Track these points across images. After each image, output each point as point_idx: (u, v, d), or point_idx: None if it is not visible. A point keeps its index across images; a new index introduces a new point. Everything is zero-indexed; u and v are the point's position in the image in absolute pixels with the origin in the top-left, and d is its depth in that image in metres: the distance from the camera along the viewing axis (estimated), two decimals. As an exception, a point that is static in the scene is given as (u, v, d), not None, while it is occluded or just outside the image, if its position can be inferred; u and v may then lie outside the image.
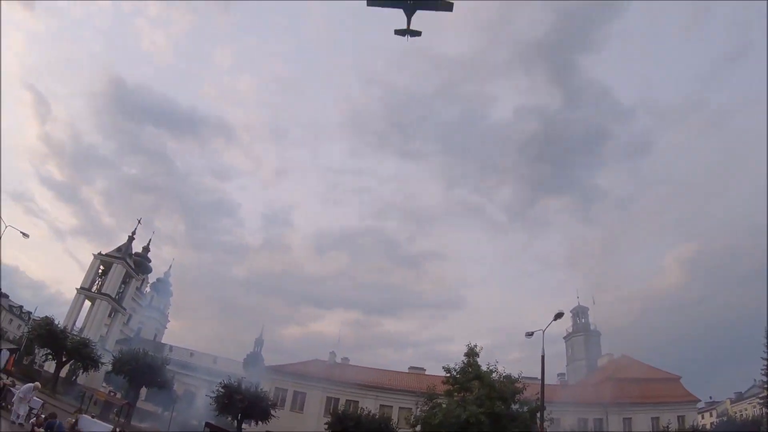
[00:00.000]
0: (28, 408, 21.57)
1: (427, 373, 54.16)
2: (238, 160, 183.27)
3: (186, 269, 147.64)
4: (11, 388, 24.65)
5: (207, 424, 24.30)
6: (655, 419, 49.86)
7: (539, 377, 28.88)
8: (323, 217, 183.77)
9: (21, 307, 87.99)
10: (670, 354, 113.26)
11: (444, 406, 34.35)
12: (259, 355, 70.19)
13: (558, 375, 65.42)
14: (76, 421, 24.62)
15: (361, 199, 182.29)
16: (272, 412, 42.31)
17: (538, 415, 30.28)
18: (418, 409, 38.37)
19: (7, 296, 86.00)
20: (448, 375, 36.07)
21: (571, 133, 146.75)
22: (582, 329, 75.23)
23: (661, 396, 52.63)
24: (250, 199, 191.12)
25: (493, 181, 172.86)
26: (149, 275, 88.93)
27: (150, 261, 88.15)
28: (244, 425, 40.82)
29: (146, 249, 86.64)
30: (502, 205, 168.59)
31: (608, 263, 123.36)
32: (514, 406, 33.72)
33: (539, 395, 28.97)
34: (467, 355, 36.28)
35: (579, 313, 76.21)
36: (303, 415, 49.86)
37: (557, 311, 26.96)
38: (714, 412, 78.41)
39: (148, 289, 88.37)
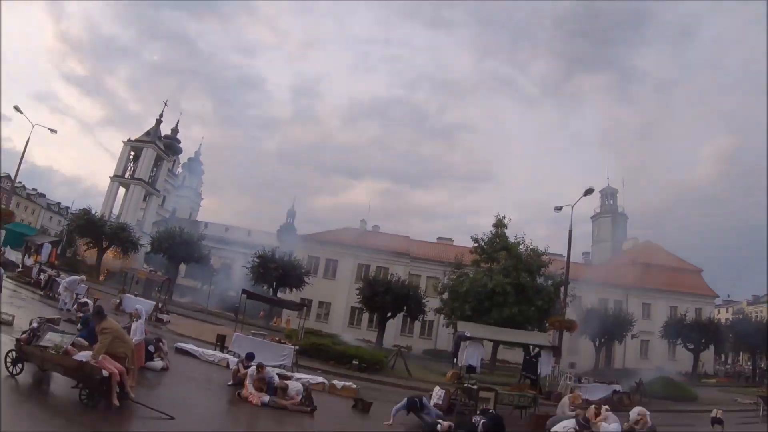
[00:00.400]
0: (74, 296, 22.45)
1: (455, 244, 55.23)
2: (264, 35, 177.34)
3: (216, 147, 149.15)
4: (56, 279, 25.68)
5: (243, 291, 25.44)
6: (674, 308, 51.04)
7: (564, 254, 29.07)
8: (353, 88, 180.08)
9: (59, 203, 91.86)
10: (695, 247, 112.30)
11: (471, 275, 35.05)
12: (292, 225, 71.80)
13: (583, 254, 66.23)
14: (120, 301, 25.90)
15: (391, 68, 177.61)
16: (306, 279, 44.17)
17: (562, 289, 30.88)
18: (446, 278, 39.30)
19: (43, 195, 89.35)
20: (476, 245, 36.53)
21: (611, 9, 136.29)
22: (609, 211, 75.04)
23: (681, 286, 53.63)
24: (278, 73, 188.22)
25: (527, 54, 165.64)
26: (180, 156, 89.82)
27: (179, 142, 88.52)
28: (279, 293, 42.46)
29: (175, 131, 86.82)
30: (535, 79, 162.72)
31: (642, 147, 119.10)
32: (539, 279, 34.35)
33: (564, 270, 29.37)
34: (495, 225, 36.45)
35: (608, 194, 75.53)
36: (335, 282, 51.74)
37: (587, 188, 26.64)
38: (730, 310, 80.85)
39: (179, 169, 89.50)
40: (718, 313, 66.51)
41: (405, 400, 12.78)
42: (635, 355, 49.93)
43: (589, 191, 26.57)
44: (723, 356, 59.86)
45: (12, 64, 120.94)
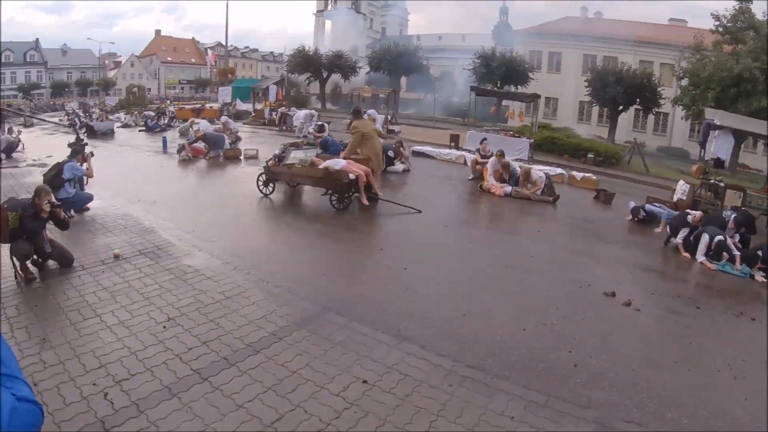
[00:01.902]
0: (310, 124, 24.30)
1: (689, 25, 47.57)
2: None
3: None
4: (288, 113, 28.12)
5: (472, 88, 25.71)
6: None
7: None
8: None
9: (272, 52, 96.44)
10: None
11: (713, 58, 30.67)
12: (507, 23, 67.71)
13: None
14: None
15: None
16: (530, 75, 42.55)
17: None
18: (683, 61, 35.33)
19: (256, 50, 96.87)
20: (717, 23, 31.52)
21: None
22: None
23: None
24: None
25: None
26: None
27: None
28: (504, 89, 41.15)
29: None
30: None
31: None
32: (796, 66, 29.06)
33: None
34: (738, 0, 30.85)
35: None
36: (560, 75, 49.66)
37: None
38: None
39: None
40: None
41: (631, 204, 12.53)
42: None
43: None
44: None
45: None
